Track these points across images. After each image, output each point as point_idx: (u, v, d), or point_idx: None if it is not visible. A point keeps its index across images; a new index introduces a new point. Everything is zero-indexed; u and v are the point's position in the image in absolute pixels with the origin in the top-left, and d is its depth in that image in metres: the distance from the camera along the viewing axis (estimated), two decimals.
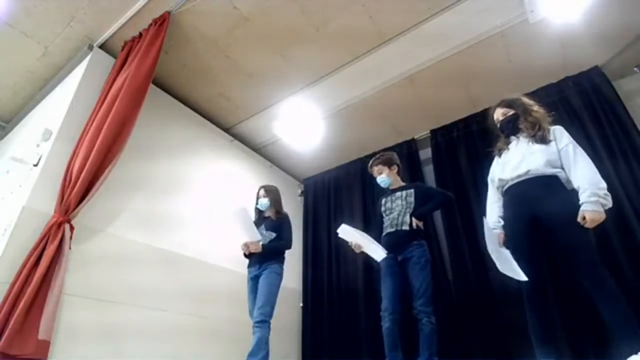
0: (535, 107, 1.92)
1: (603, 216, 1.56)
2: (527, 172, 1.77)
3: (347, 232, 2.36)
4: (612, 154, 2.63)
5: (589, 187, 1.60)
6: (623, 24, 2.56)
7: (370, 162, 2.58)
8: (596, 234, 2.40)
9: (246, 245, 2.42)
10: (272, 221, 2.55)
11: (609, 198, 1.59)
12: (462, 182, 3.25)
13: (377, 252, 2.26)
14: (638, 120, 2.68)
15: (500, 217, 1.92)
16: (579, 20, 2.53)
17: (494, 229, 1.92)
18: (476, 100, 3.27)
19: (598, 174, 1.65)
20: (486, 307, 2.75)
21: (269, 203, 2.59)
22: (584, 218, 1.56)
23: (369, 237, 2.30)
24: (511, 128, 1.96)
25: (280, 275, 2.41)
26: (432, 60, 2.92)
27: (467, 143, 3.40)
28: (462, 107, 3.37)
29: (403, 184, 2.53)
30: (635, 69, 2.85)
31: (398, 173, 2.54)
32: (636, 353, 1.37)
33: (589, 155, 2.59)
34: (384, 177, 2.49)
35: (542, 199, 1.71)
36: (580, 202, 1.59)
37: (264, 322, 2.18)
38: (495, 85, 2.88)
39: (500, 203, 1.94)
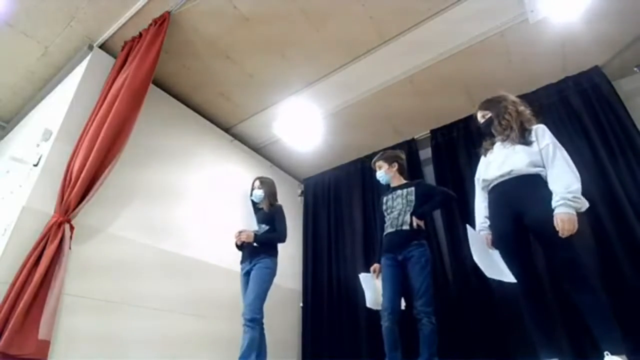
0: (510, 108, 1.90)
1: (573, 218, 1.53)
2: (510, 172, 1.77)
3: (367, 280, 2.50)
4: (612, 154, 2.63)
5: (559, 191, 1.59)
6: (623, 24, 2.56)
7: (375, 157, 2.59)
8: (596, 234, 2.44)
9: (239, 233, 2.38)
10: (265, 213, 2.50)
11: (581, 200, 1.57)
12: (462, 182, 3.24)
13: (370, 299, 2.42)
14: (638, 120, 2.68)
15: (487, 217, 1.92)
16: (579, 20, 2.53)
17: (481, 230, 1.92)
18: (476, 100, 3.22)
19: (572, 175, 1.63)
20: (486, 306, 2.75)
21: (263, 195, 2.54)
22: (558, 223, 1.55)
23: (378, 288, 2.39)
24: (489, 131, 1.98)
25: (271, 270, 2.34)
26: (432, 61, 2.92)
27: (467, 143, 3.39)
28: (462, 107, 3.36)
29: (404, 181, 2.51)
30: (635, 69, 2.84)
31: (400, 171, 2.52)
32: (610, 350, 1.38)
33: (587, 155, 2.67)
34: (381, 173, 2.50)
35: (523, 197, 1.71)
36: (552, 207, 1.59)
37: (254, 320, 2.12)
38: (495, 85, 2.83)
39: (487, 203, 1.94)
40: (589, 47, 2.75)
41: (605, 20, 2.52)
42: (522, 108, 1.92)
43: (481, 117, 2.03)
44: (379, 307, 2.27)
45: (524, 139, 1.80)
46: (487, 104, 2.01)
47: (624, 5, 2.42)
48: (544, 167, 1.73)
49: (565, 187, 1.59)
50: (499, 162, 1.84)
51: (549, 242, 1.61)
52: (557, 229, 1.52)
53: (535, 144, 1.77)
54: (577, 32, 2.61)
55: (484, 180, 1.92)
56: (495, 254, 1.82)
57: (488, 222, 1.91)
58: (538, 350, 1.67)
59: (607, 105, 2.78)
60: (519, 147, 1.80)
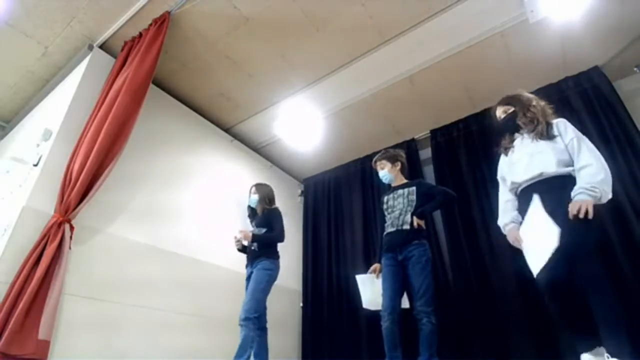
0: (534, 102, 1.90)
1: (587, 203, 1.51)
2: (540, 174, 1.72)
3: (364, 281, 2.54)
4: (612, 154, 2.62)
5: (581, 184, 1.59)
6: (623, 24, 2.56)
7: (375, 157, 2.59)
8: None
9: (237, 235, 2.47)
10: (260, 217, 2.55)
11: (598, 190, 1.55)
12: (462, 182, 3.25)
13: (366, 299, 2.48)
14: (638, 120, 2.68)
15: (514, 215, 1.85)
16: (579, 20, 2.53)
17: (506, 225, 1.85)
18: (476, 100, 3.27)
19: (596, 166, 1.60)
20: (486, 307, 2.75)
21: (258, 198, 2.59)
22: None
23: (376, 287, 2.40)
24: (512, 126, 1.95)
25: (270, 271, 2.37)
26: (432, 60, 2.92)
27: (467, 143, 3.40)
28: (462, 107, 3.37)
29: (405, 181, 2.52)
30: (635, 69, 2.84)
31: (402, 171, 2.53)
32: (612, 353, 1.37)
33: None
34: (385, 172, 2.50)
35: (555, 200, 1.64)
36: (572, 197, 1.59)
37: (247, 320, 2.15)
38: (495, 85, 2.88)
39: (515, 202, 1.88)
40: (589, 47, 2.75)
41: (605, 20, 2.52)
42: (543, 103, 1.92)
43: (502, 112, 2.00)
44: (378, 308, 2.27)
45: (548, 133, 1.78)
46: (508, 99, 1.99)
47: (624, 5, 2.42)
48: (573, 165, 1.70)
49: (587, 180, 1.57)
50: (525, 162, 1.80)
51: (572, 241, 1.52)
52: (570, 215, 1.52)
53: (559, 139, 1.75)
54: (577, 32, 2.61)
55: (512, 183, 1.87)
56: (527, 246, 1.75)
57: (512, 219, 1.84)
58: (576, 345, 1.61)
59: (607, 105, 2.78)
60: (543, 144, 1.77)
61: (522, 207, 1.81)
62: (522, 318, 2.56)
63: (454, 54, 2.85)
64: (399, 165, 2.52)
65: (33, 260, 1.90)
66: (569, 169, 1.69)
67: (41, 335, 1.80)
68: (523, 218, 1.79)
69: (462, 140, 3.44)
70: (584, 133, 2.73)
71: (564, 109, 2.95)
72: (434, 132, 3.66)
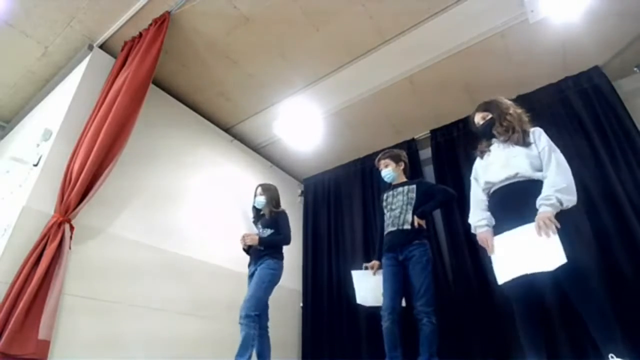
0: (511, 110, 1.92)
1: (545, 215, 1.54)
2: (515, 175, 1.76)
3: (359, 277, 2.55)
4: (612, 154, 2.63)
5: (543, 192, 1.61)
6: (623, 24, 2.56)
7: (379, 156, 2.60)
8: (596, 234, 2.43)
9: (243, 237, 2.45)
10: (267, 219, 2.55)
11: (553, 200, 1.57)
12: (462, 182, 3.24)
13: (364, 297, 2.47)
14: (638, 120, 2.68)
15: (485, 216, 1.85)
16: (579, 20, 2.53)
17: (486, 226, 1.85)
18: (476, 100, 3.21)
19: (562, 177, 1.63)
20: (486, 307, 2.75)
21: (265, 201, 2.58)
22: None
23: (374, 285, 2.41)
24: (489, 132, 1.98)
25: (274, 271, 2.36)
26: (432, 60, 2.92)
27: (467, 143, 3.38)
28: (462, 107, 3.36)
29: (406, 180, 2.55)
30: (635, 69, 2.85)
31: (405, 171, 2.57)
32: (613, 353, 1.38)
33: (586, 155, 2.67)
34: (389, 171, 2.52)
35: (529, 204, 1.66)
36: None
37: (247, 317, 2.14)
38: (495, 85, 2.88)
39: (487, 203, 1.89)
40: (589, 47, 2.75)
41: (605, 20, 2.52)
42: (520, 110, 1.95)
43: (481, 118, 2.03)
44: (376, 304, 2.27)
45: (524, 140, 1.82)
46: (486, 106, 2.02)
47: (624, 5, 2.42)
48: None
49: (548, 192, 1.60)
50: (500, 163, 1.83)
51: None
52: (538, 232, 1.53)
53: (533, 146, 1.79)
54: (577, 32, 2.61)
55: (486, 183, 1.90)
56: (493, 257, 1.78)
57: (486, 221, 1.85)
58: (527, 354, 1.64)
59: (607, 105, 2.78)
60: (518, 149, 1.80)
61: (493, 208, 1.85)
62: None
63: (454, 54, 2.84)
64: (402, 165, 2.55)
65: (33, 260, 1.90)
66: (541, 174, 1.73)
67: (41, 335, 1.80)
68: (495, 215, 1.82)
69: (462, 140, 3.43)
70: (583, 133, 2.79)
71: (564, 109, 2.96)
72: (434, 132, 3.66)
